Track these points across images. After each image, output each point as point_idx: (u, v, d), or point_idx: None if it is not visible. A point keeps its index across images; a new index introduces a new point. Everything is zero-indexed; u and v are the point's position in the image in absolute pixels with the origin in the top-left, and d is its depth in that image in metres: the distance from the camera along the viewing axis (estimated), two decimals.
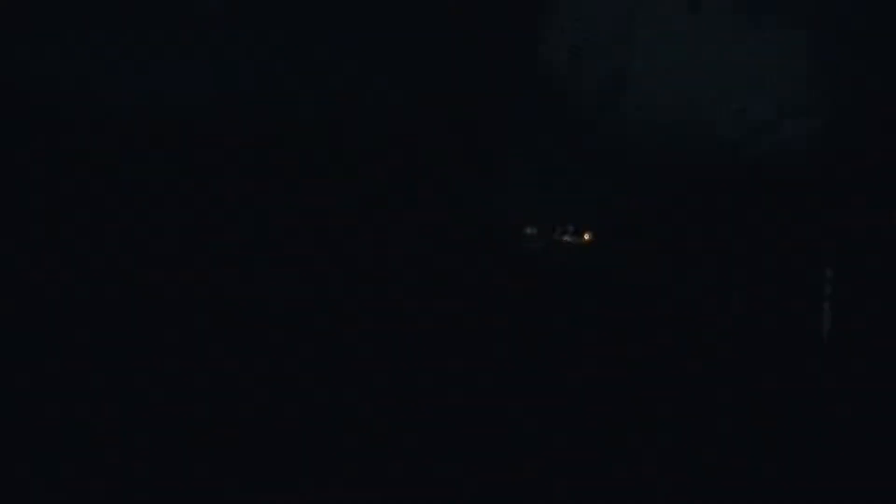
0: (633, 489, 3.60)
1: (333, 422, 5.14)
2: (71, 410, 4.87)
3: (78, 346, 7.45)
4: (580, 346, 5.54)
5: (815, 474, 4.02)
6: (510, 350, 6.82)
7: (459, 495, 3.59)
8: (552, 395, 7.50)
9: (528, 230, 5.47)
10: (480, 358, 8.13)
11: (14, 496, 3.32)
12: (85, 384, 5.66)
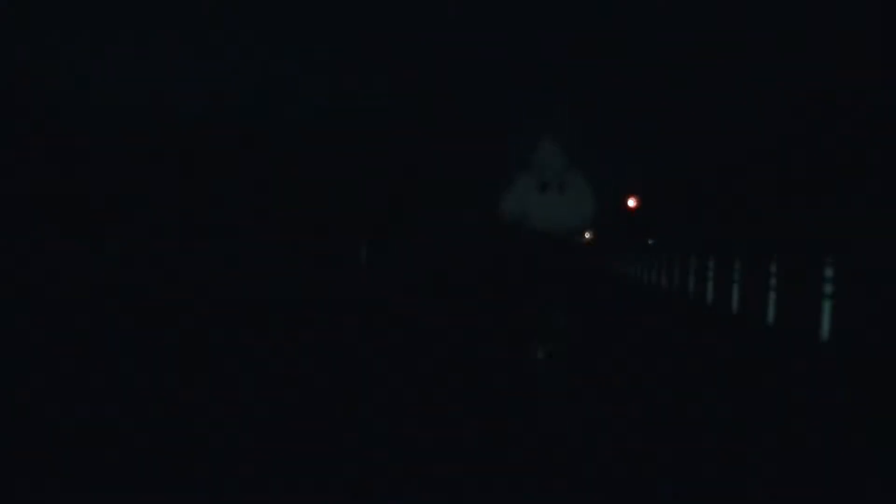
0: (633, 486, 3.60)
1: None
2: (69, 410, 4.86)
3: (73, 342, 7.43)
4: None
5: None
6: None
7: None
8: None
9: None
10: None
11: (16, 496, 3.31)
12: (81, 385, 5.65)
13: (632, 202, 58.85)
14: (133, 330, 8.79)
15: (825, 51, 23.98)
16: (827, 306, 9.92)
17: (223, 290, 15.41)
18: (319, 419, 4.77)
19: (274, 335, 8.81)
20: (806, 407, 5.76)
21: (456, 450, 4.03)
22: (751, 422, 5.12)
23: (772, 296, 12.20)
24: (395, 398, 5.39)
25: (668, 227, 41.33)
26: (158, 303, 12.32)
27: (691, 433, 4.71)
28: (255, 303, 13.07)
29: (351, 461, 3.84)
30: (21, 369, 6.15)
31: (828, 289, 9.96)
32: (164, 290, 14.55)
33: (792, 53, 25.79)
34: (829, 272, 10.05)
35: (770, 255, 12.84)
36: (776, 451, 4.40)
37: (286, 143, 22.32)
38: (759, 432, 4.82)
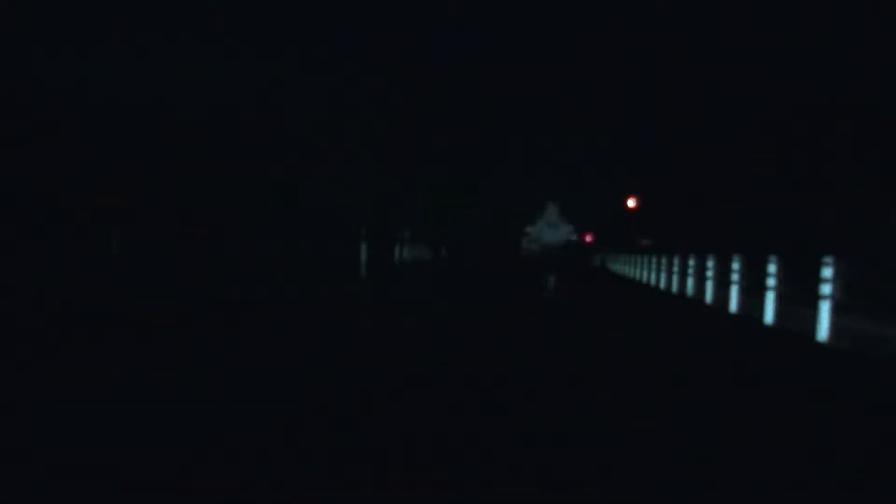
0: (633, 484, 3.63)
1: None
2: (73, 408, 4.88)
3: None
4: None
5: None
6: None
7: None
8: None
9: (528, 228, 6.02)
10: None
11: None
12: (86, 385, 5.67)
13: (631, 202, 58.86)
14: (139, 332, 8.81)
15: (824, 51, 24.00)
16: (825, 307, 9.93)
17: (223, 291, 15.42)
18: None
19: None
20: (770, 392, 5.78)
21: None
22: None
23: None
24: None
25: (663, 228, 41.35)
26: (163, 303, 12.33)
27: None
28: (259, 304, 13.08)
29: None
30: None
31: (825, 289, 9.97)
32: (166, 291, 14.57)
33: (791, 54, 25.79)
34: (826, 273, 10.06)
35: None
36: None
37: (286, 143, 22.35)
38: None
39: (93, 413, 4.69)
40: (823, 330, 9.87)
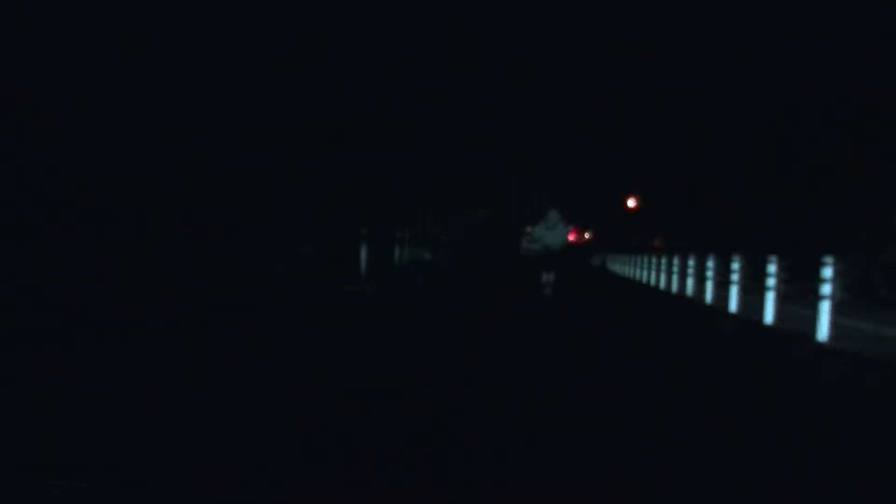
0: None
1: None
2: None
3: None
4: None
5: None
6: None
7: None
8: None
9: (528, 228, 6.14)
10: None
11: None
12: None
13: (631, 202, 58.85)
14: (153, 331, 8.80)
15: (824, 51, 24.01)
16: (825, 307, 9.92)
17: (223, 291, 15.42)
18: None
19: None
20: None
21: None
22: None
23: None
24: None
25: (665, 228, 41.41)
26: (170, 303, 12.32)
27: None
28: (261, 304, 13.08)
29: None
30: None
31: (825, 289, 9.96)
32: (166, 290, 14.57)
33: (791, 54, 25.81)
34: (826, 273, 10.05)
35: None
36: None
37: (285, 143, 22.37)
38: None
39: (93, 413, 4.68)
40: (823, 330, 9.86)
